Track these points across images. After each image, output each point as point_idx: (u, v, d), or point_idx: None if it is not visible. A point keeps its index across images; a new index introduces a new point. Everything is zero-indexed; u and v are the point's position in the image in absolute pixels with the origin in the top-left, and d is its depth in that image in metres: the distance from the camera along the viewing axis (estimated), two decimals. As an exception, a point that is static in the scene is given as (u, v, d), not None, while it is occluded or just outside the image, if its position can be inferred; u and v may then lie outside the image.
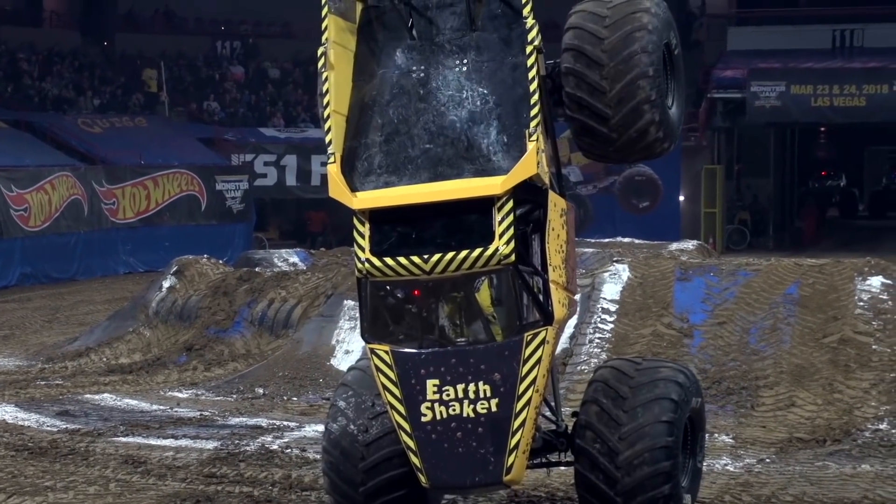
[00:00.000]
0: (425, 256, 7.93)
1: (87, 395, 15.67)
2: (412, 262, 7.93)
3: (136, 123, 37.89)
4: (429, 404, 8.00)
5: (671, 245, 22.18)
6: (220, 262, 21.33)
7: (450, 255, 7.90)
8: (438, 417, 7.98)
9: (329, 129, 8.15)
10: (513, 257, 7.90)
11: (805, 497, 10.19)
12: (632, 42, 8.26)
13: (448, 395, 7.97)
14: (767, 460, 11.57)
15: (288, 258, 21.76)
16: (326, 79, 8.19)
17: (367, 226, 8.03)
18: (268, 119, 42.12)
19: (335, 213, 41.96)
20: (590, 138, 8.52)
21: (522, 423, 7.93)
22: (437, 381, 7.99)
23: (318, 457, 11.67)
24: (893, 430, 12.45)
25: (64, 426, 13.61)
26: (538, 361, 7.97)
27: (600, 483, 8.33)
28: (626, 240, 23.37)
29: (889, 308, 14.15)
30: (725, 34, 41.20)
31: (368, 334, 8.22)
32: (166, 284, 19.58)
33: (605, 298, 15.15)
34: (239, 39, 45.76)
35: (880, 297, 14.34)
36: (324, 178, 38.76)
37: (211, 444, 12.49)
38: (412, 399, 8.01)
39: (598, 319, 14.86)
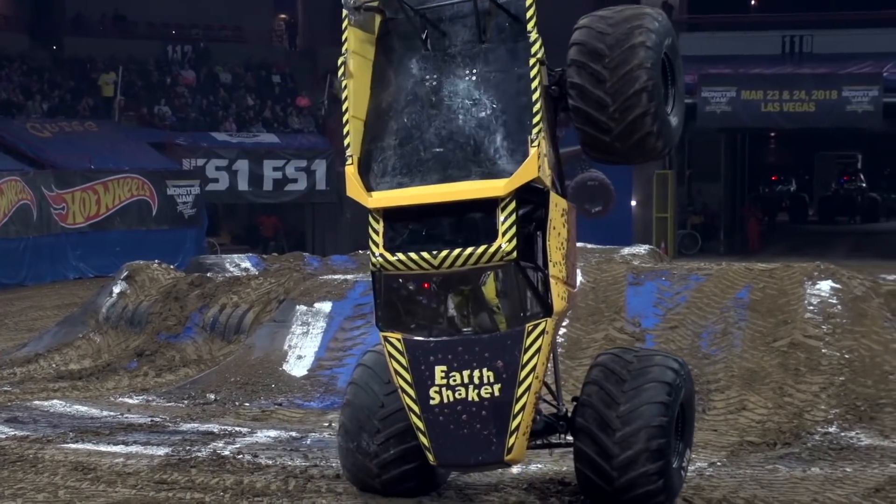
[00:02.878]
0: (434, 252, 8.63)
1: (37, 402, 15.52)
2: (422, 258, 8.65)
3: (86, 128, 37.56)
4: (437, 388, 8.71)
5: (623, 250, 22.25)
6: (172, 267, 21.18)
7: (456, 251, 8.59)
8: (446, 401, 8.69)
9: (347, 133, 8.83)
10: (515, 254, 8.56)
11: (756, 500, 10.25)
12: (632, 58, 8.88)
13: (455, 380, 8.67)
14: (718, 464, 11.62)
15: (240, 263, 21.66)
16: (346, 86, 8.84)
17: (381, 223, 8.75)
18: (219, 123, 41.91)
19: (287, 218, 41.90)
20: (594, 147, 9.21)
21: (523, 407, 8.63)
22: (444, 368, 8.69)
23: (271, 462, 11.65)
24: (843, 434, 12.55)
25: (12, 433, 13.46)
26: (538, 350, 8.67)
27: (597, 457, 8.98)
28: (579, 244, 23.33)
29: (838, 312, 14.26)
30: (676, 40, 41.36)
31: (382, 323, 8.94)
32: (117, 290, 19.43)
33: (557, 303, 15.16)
34: (190, 44, 45.45)
35: (829, 301, 14.45)
36: (276, 182, 39.14)
37: (162, 451, 12.40)
38: (421, 383, 8.72)
39: (551, 324, 14.87)
